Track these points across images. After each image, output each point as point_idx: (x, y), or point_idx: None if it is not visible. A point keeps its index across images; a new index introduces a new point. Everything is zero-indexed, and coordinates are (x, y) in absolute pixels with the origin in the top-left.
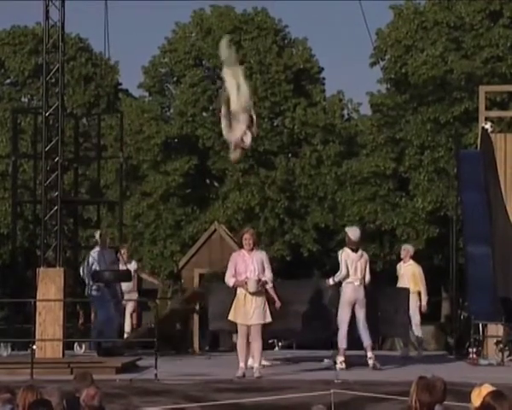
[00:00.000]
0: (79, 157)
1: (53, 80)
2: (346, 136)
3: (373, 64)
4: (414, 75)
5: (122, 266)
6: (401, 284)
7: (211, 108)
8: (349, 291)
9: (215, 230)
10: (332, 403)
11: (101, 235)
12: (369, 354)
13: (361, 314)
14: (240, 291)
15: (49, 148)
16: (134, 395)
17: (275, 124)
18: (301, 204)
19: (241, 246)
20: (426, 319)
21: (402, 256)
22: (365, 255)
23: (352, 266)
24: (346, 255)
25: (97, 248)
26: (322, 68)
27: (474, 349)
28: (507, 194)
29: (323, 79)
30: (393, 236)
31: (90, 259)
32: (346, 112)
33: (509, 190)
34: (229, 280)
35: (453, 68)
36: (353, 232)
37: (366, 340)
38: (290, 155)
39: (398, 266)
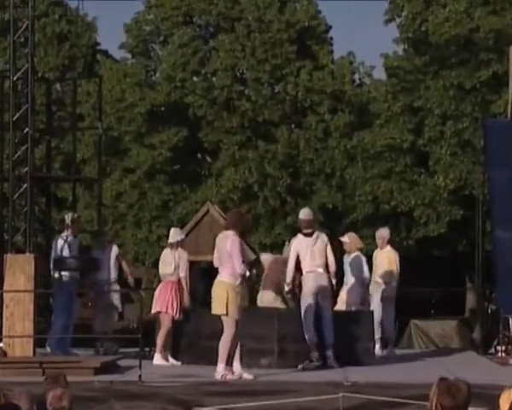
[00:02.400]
0: (52, 128)
1: (22, 39)
2: (357, 104)
3: (388, 21)
4: (435, 34)
5: (129, 278)
6: (377, 273)
7: (202, 71)
8: (310, 281)
9: (207, 211)
10: (341, 408)
11: (73, 220)
12: (329, 352)
13: (325, 307)
14: (236, 284)
15: (18, 117)
16: (115, 398)
17: (276, 90)
18: (306, 182)
19: (234, 228)
20: (448, 312)
21: (378, 243)
22: (323, 237)
23: (307, 253)
24: (296, 243)
25: (67, 233)
26: (330, 27)
27: (503, 347)
28: None
29: (331, 38)
30: (411, 218)
31: (59, 243)
32: (357, 76)
33: None
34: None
35: (479, 26)
36: (302, 212)
37: (328, 337)
38: (293, 125)
39: (374, 253)
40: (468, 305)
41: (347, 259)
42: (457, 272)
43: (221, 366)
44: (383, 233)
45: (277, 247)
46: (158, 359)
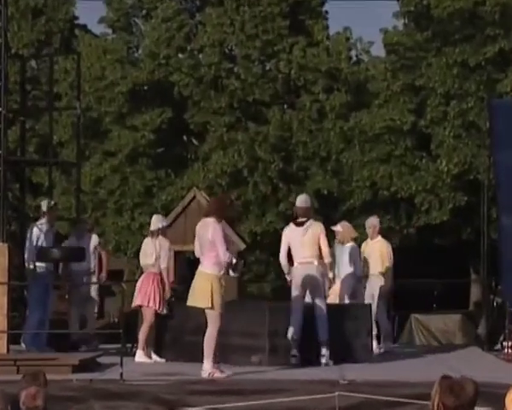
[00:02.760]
0: (27, 108)
1: None
2: (354, 83)
3: None
4: (437, 8)
5: (103, 274)
6: (368, 265)
7: (188, 48)
8: (297, 273)
9: (194, 197)
10: (337, 408)
11: (50, 207)
12: (324, 350)
13: (317, 300)
14: (220, 274)
15: None
16: (94, 398)
17: (267, 68)
18: (299, 166)
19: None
20: (451, 306)
21: (368, 233)
22: (315, 227)
23: (296, 244)
24: (288, 233)
25: (43, 221)
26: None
27: (510, 343)
28: None
29: (326, 12)
30: (412, 205)
31: (35, 232)
32: (354, 53)
33: None
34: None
35: None
36: (299, 198)
37: (322, 334)
38: (286, 106)
39: (363, 244)
40: (472, 298)
41: (340, 249)
42: (461, 263)
43: (208, 364)
44: (373, 222)
45: (268, 235)
46: (140, 356)
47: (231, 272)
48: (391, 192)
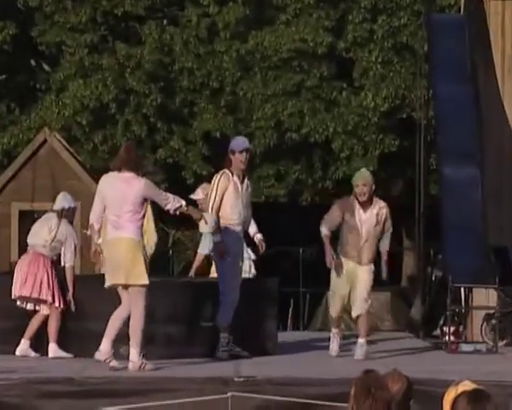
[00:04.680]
0: None
1: None
2: None
3: None
4: None
5: None
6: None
7: None
8: (229, 240)
9: (45, 140)
10: None
11: None
12: (221, 337)
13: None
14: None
15: None
16: None
17: None
18: (183, 101)
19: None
20: (378, 281)
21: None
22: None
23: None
24: (222, 183)
25: None
26: None
27: (452, 328)
28: (505, 84)
29: None
30: (328, 151)
31: None
32: None
33: (509, 77)
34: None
35: None
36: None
37: (220, 318)
38: (165, 21)
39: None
40: (404, 270)
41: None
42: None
43: (136, 354)
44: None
45: None
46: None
47: (203, 225)
48: (301, 135)
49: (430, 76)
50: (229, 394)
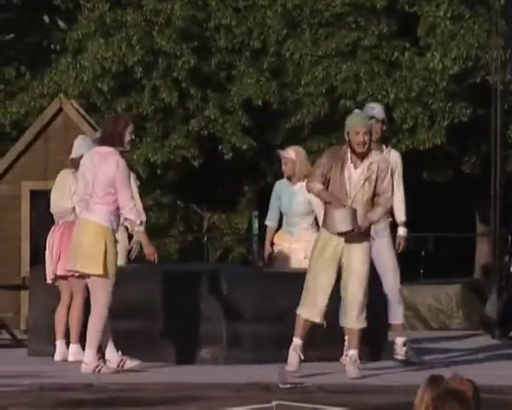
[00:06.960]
0: None
1: None
2: None
3: None
4: None
5: None
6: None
7: None
8: None
9: (60, 109)
10: None
11: None
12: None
13: None
14: (113, 228)
15: None
16: None
17: None
18: (220, 63)
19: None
20: (447, 272)
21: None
22: None
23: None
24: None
25: None
26: None
27: None
28: None
29: None
30: (389, 121)
31: None
32: None
33: None
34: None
35: None
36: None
37: None
38: None
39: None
40: (478, 260)
41: (289, 189)
42: (462, 208)
43: (91, 355)
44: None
45: (174, 167)
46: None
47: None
48: (357, 102)
49: (508, 33)
50: (273, 402)
